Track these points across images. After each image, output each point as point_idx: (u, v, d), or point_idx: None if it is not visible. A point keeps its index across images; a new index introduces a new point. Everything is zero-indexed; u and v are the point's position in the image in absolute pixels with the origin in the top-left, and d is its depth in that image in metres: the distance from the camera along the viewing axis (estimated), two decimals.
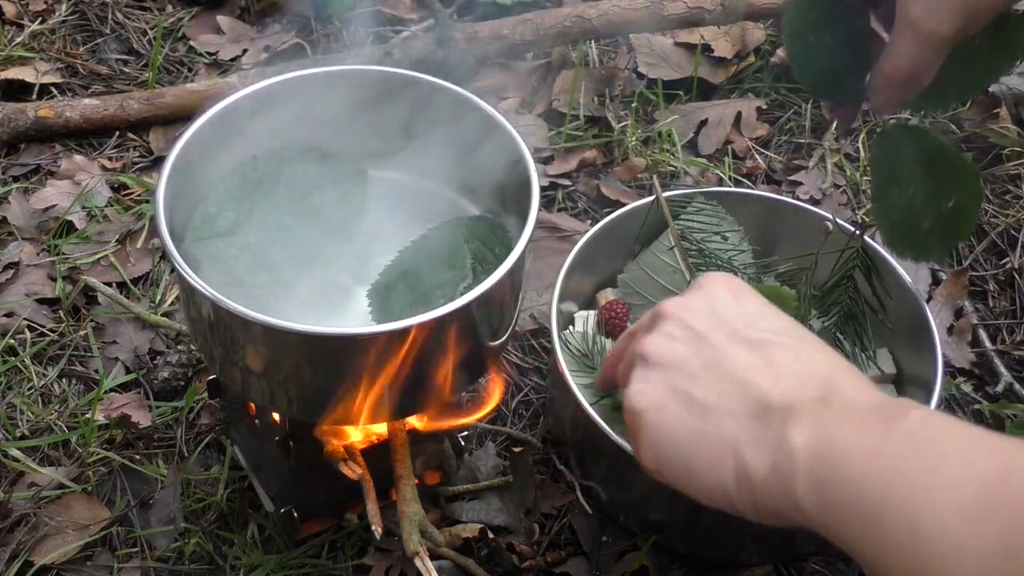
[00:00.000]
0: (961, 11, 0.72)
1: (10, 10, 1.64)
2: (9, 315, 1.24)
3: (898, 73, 0.77)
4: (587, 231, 1.13)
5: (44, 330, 1.23)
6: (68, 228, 1.34)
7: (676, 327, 0.70)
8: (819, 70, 0.82)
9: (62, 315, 1.24)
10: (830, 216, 1.11)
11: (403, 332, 0.76)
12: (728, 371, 0.66)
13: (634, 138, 1.46)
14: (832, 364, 0.66)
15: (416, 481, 1.05)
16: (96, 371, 1.19)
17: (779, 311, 0.72)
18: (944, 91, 0.81)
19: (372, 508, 0.93)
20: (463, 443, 1.08)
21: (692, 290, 0.74)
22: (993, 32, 0.77)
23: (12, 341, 1.21)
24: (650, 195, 1.14)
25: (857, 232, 1.04)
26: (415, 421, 0.99)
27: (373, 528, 0.92)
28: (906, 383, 1.09)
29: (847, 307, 1.04)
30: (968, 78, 0.81)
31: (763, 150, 1.50)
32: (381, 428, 0.98)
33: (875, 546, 0.55)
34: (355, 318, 0.87)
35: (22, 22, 1.63)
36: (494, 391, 1.01)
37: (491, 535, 1.03)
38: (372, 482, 0.95)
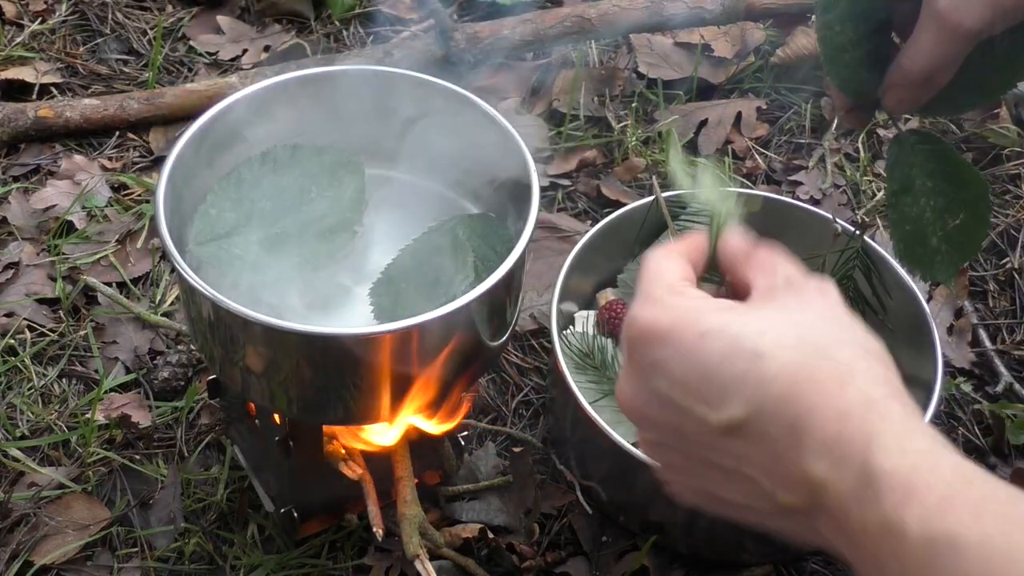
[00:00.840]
0: (990, 5, 0.71)
1: (10, 10, 1.64)
2: (9, 315, 1.24)
3: (917, 69, 0.75)
4: (587, 231, 1.13)
5: (44, 330, 1.23)
6: (68, 228, 1.34)
7: (650, 430, 0.59)
8: (845, 66, 0.80)
9: (62, 315, 1.24)
10: (830, 216, 1.11)
11: (403, 332, 0.77)
12: (728, 470, 0.55)
13: (634, 138, 1.46)
14: (799, 422, 0.52)
15: (416, 481, 1.05)
16: (96, 371, 1.19)
17: (730, 336, 0.55)
18: (957, 96, 0.80)
19: (373, 509, 0.93)
20: (463, 443, 1.08)
21: (624, 368, 0.60)
22: (1011, 37, 0.76)
23: (12, 341, 1.21)
24: (650, 195, 1.14)
25: (857, 232, 1.04)
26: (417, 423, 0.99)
27: (375, 530, 0.92)
28: (906, 383, 1.08)
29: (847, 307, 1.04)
30: (982, 85, 0.79)
31: (763, 150, 1.50)
32: (383, 430, 0.98)
33: None
34: (355, 318, 0.87)
35: (22, 22, 1.63)
36: (461, 409, 0.99)
37: (491, 535, 1.03)
38: (372, 483, 0.95)
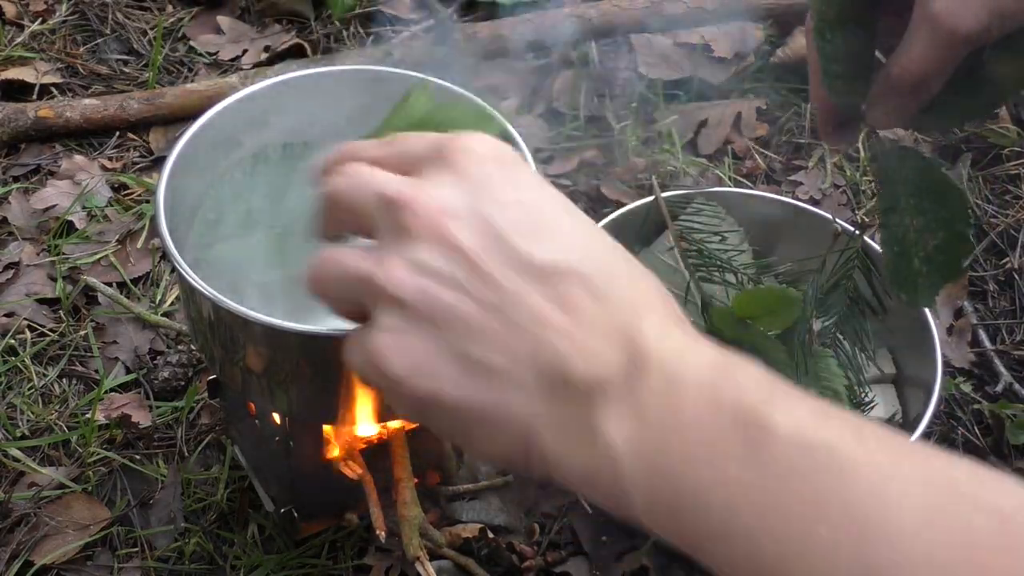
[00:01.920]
0: (988, 8, 0.67)
1: (10, 10, 1.64)
2: (9, 315, 1.24)
3: (907, 76, 0.71)
4: None
5: (44, 330, 1.23)
6: (68, 228, 1.34)
7: (434, 249, 0.48)
8: (835, 73, 0.78)
9: (62, 315, 1.24)
10: (830, 216, 1.11)
11: None
12: (513, 321, 0.47)
13: (634, 138, 1.46)
14: (639, 300, 0.48)
15: (416, 480, 1.05)
16: (96, 371, 1.19)
17: (567, 202, 0.51)
18: (947, 110, 0.76)
19: (375, 511, 0.93)
20: None
21: (445, 167, 0.50)
22: (1005, 51, 0.74)
23: (12, 341, 1.21)
24: (650, 195, 1.14)
25: (857, 232, 1.04)
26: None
27: (377, 532, 0.92)
28: (906, 383, 1.09)
29: (847, 307, 1.04)
30: (975, 99, 0.76)
31: (763, 150, 1.50)
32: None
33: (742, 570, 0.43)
34: None
35: (22, 22, 1.63)
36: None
37: (491, 535, 1.03)
38: (373, 483, 0.95)
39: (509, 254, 0.48)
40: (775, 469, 0.42)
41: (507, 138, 0.70)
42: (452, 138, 0.52)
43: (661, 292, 0.50)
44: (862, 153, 1.47)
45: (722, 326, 1.05)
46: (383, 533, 0.92)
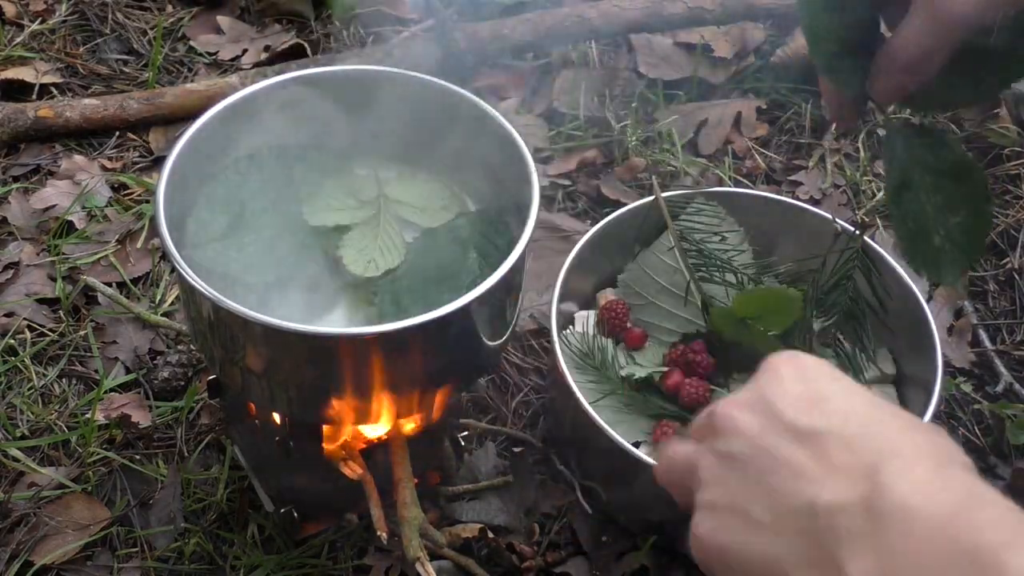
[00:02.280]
0: None
1: (10, 10, 1.64)
2: (9, 315, 1.24)
3: (906, 54, 0.73)
4: (587, 231, 1.13)
5: (44, 330, 1.23)
6: (68, 228, 1.34)
7: (732, 439, 0.60)
8: (828, 51, 0.78)
9: (62, 315, 1.24)
10: (831, 216, 1.11)
11: (403, 332, 0.77)
12: (778, 479, 0.57)
13: (634, 138, 1.46)
14: (887, 446, 0.54)
15: (416, 480, 1.05)
16: (96, 371, 1.19)
17: (855, 388, 0.60)
18: (948, 91, 0.77)
19: (376, 513, 0.93)
20: (463, 443, 1.08)
21: (754, 379, 0.64)
22: (1009, 34, 0.75)
23: (12, 341, 1.21)
24: (650, 195, 1.14)
25: (857, 232, 1.04)
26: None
27: (379, 533, 0.92)
28: (906, 383, 1.09)
29: (847, 307, 1.04)
30: (976, 82, 0.77)
31: (763, 150, 1.50)
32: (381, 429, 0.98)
33: None
34: (356, 318, 0.87)
35: (22, 22, 1.63)
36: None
37: (491, 535, 1.03)
38: (374, 484, 0.95)
39: (781, 426, 0.58)
40: None
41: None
42: (772, 356, 0.63)
43: (926, 440, 0.54)
44: (862, 153, 1.47)
45: (722, 326, 1.05)
46: (385, 534, 0.92)
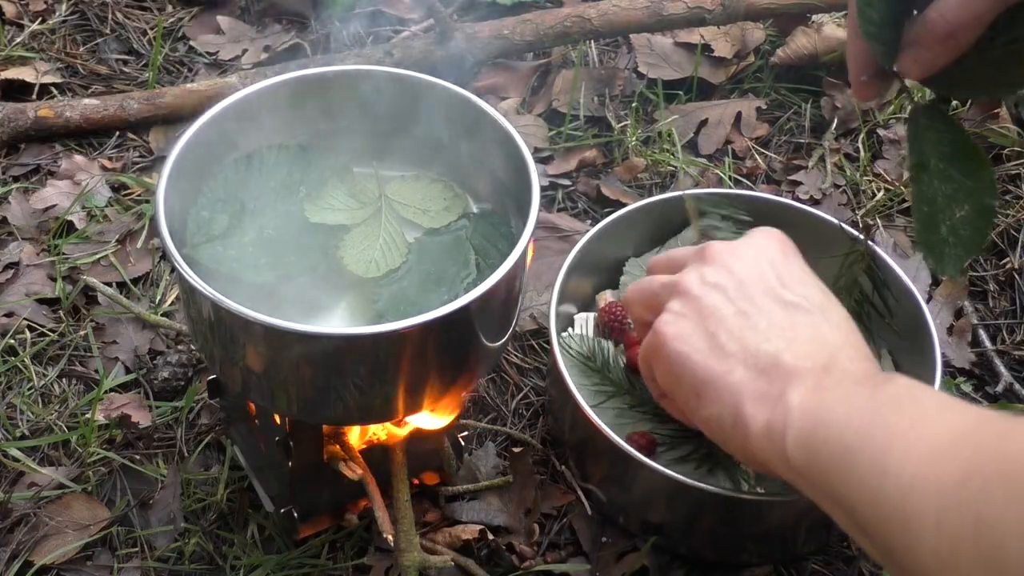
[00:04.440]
0: None
1: (10, 10, 1.64)
2: (9, 315, 1.24)
3: (943, 22, 0.74)
4: (587, 231, 1.13)
5: (44, 330, 1.23)
6: (68, 228, 1.34)
7: (720, 272, 0.77)
8: (875, 15, 0.77)
9: (62, 315, 1.24)
10: (830, 218, 1.11)
11: (403, 332, 0.77)
12: (754, 324, 0.73)
13: (634, 138, 1.46)
14: (844, 339, 0.73)
15: (416, 482, 1.06)
16: (96, 371, 1.19)
17: (817, 280, 0.78)
18: (976, 77, 0.78)
19: (381, 515, 0.93)
20: (463, 443, 1.08)
21: (745, 238, 0.81)
22: None
23: (12, 341, 1.21)
24: (650, 195, 1.14)
25: (862, 236, 1.03)
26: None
27: (385, 536, 0.92)
28: None
29: (853, 310, 1.04)
30: (1005, 71, 0.77)
31: (763, 150, 1.50)
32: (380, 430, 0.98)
33: (851, 492, 0.61)
34: (356, 318, 0.87)
35: (22, 22, 1.63)
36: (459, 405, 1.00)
37: (491, 535, 1.03)
38: (376, 484, 0.95)
39: (766, 286, 0.76)
40: (886, 398, 0.64)
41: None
42: (759, 228, 0.85)
43: (859, 338, 0.76)
44: (862, 153, 1.47)
45: None
46: (391, 536, 0.92)
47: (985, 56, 0.75)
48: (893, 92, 1.42)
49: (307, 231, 0.91)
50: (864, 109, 1.53)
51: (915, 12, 0.77)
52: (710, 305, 0.76)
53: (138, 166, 1.43)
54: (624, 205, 1.18)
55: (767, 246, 0.80)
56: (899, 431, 0.59)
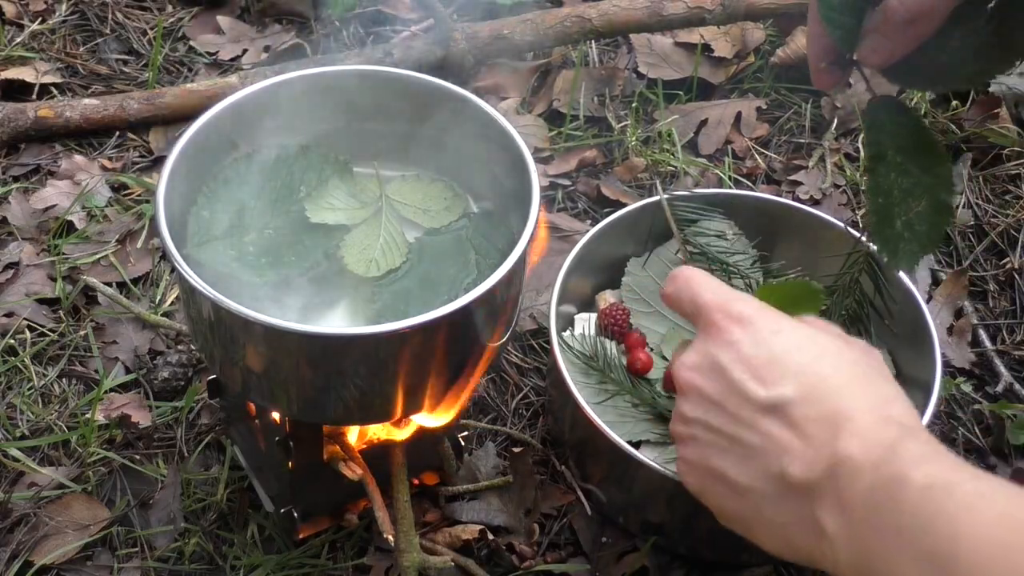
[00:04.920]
0: None
1: (10, 10, 1.64)
2: (9, 315, 1.24)
3: (902, 10, 0.73)
4: (587, 231, 1.13)
5: (44, 330, 1.23)
6: (68, 228, 1.34)
7: (694, 403, 0.69)
8: (833, 8, 0.78)
9: (62, 315, 1.24)
10: (831, 218, 1.11)
11: (403, 332, 0.76)
12: (749, 448, 0.66)
13: (634, 138, 1.46)
14: (844, 409, 0.64)
15: (416, 482, 1.06)
16: (96, 371, 1.19)
17: (799, 337, 0.68)
18: (934, 69, 0.77)
19: (381, 515, 0.93)
20: (463, 443, 1.08)
21: (698, 341, 0.71)
22: (998, 25, 0.75)
23: (12, 341, 1.21)
24: (651, 195, 1.14)
25: (864, 238, 1.03)
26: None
27: (385, 536, 0.92)
28: (905, 383, 1.08)
29: (853, 311, 1.04)
30: (964, 67, 0.77)
31: (763, 150, 1.50)
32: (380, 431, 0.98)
33: None
34: (356, 318, 0.87)
35: (22, 22, 1.63)
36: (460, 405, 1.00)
37: (491, 535, 1.03)
38: (376, 485, 0.95)
39: (742, 396, 0.66)
40: (907, 510, 0.57)
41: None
42: (704, 309, 0.71)
43: (867, 398, 0.65)
44: (862, 153, 1.47)
45: None
46: (392, 536, 0.92)
47: (944, 48, 0.75)
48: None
49: (307, 231, 0.91)
50: (864, 109, 1.52)
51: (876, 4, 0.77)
52: (702, 445, 0.70)
53: (138, 166, 1.43)
54: (624, 205, 1.18)
55: (724, 338, 0.69)
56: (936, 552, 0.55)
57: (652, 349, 1.11)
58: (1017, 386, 1.21)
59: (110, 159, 1.44)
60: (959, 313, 1.29)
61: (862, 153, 1.47)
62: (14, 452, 1.10)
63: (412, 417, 0.94)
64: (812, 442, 0.63)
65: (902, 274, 1.07)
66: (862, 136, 0.83)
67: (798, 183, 1.44)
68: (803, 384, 0.65)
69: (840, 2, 0.76)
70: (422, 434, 0.99)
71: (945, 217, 0.80)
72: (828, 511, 0.61)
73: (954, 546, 0.53)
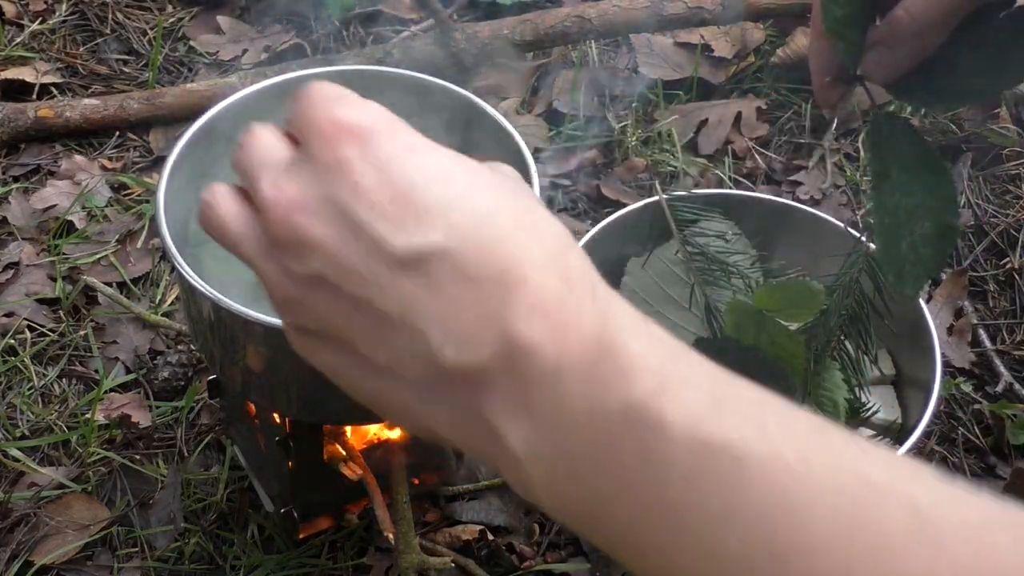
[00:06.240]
0: None
1: (10, 10, 1.64)
2: (9, 315, 1.24)
3: (908, 21, 0.71)
4: (587, 231, 1.13)
5: (44, 330, 1.23)
6: (68, 228, 1.34)
7: (303, 258, 0.45)
8: (839, 13, 0.75)
9: (62, 315, 1.24)
10: (831, 218, 1.11)
11: None
12: (383, 316, 0.44)
13: (634, 138, 1.46)
14: (514, 268, 0.42)
15: (416, 482, 1.05)
16: (96, 371, 1.19)
17: (437, 157, 0.48)
18: (939, 85, 0.76)
19: (382, 514, 0.93)
20: None
21: (299, 166, 0.47)
22: (1009, 36, 0.74)
23: (12, 341, 1.21)
24: (651, 195, 1.14)
25: (864, 237, 1.03)
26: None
27: (386, 534, 0.92)
28: (906, 384, 1.09)
29: (852, 311, 1.04)
30: (968, 81, 0.76)
31: (763, 150, 1.50)
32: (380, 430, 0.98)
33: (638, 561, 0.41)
34: None
35: (22, 22, 1.62)
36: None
37: (491, 535, 1.03)
38: (377, 484, 0.95)
39: (370, 244, 0.43)
40: (674, 478, 0.38)
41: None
42: (308, 114, 0.49)
43: (543, 246, 0.43)
44: (863, 153, 1.47)
45: (741, 322, 1.04)
46: (392, 535, 0.92)
47: (953, 61, 0.73)
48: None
49: None
50: (864, 109, 1.52)
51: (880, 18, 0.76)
52: (323, 307, 0.46)
53: (138, 166, 1.43)
54: (624, 205, 1.17)
55: (343, 168, 0.45)
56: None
57: None
58: (1017, 386, 1.21)
59: (110, 159, 1.44)
60: (959, 313, 1.29)
61: (861, 156, 1.47)
62: (14, 452, 1.10)
63: None
64: (471, 312, 0.42)
65: None
66: (861, 137, 0.82)
67: (798, 183, 1.44)
68: (455, 227, 0.43)
69: (845, 14, 0.75)
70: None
71: (950, 241, 0.77)
72: (506, 417, 0.41)
73: (796, 537, 0.37)
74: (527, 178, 0.85)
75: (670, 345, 0.42)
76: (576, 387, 0.40)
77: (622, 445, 0.39)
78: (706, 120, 1.51)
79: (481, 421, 0.42)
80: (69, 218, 1.34)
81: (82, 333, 1.22)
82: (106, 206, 1.36)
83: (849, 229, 1.08)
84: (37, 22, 1.62)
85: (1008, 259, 1.36)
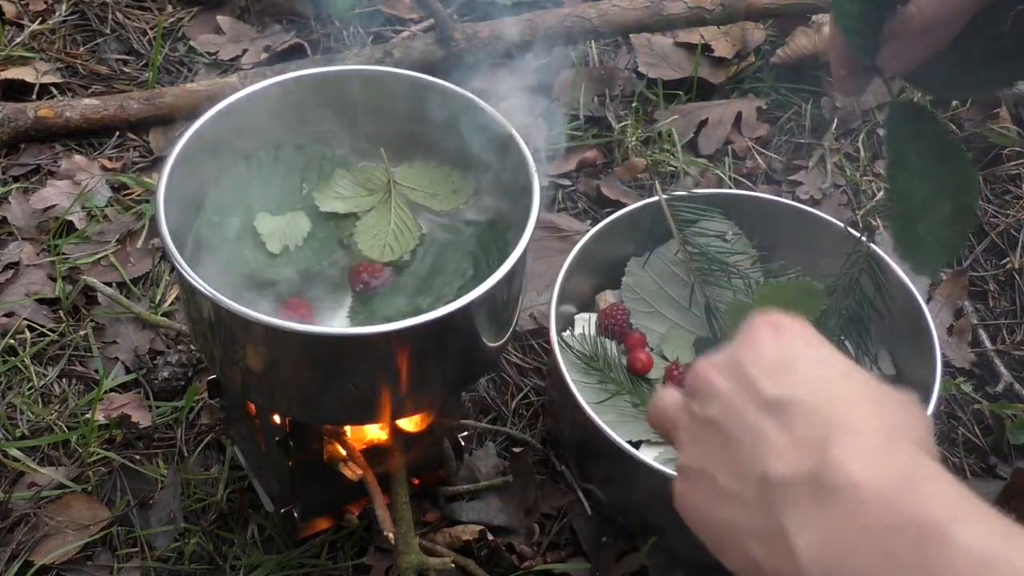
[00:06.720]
0: None
1: (10, 10, 1.64)
2: (9, 315, 1.24)
3: (920, 17, 0.74)
4: (587, 231, 1.13)
5: (44, 330, 1.23)
6: (68, 228, 1.34)
7: (707, 401, 0.59)
8: (853, 11, 0.77)
9: (62, 315, 1.24)
10: (831, 218, 1.11)
11: (403, 332, 0.76)
12: (740, 446, 0.57)
13: (634, 138, 1.46)
14: (843, 421, 0.53)
15: (416, 481, 1.05)
16: (96, 371, 1.19)
17: (829, 355, 0.60)
18: (955, 76, 0.77)
19: (382, 513, 0.93)
20: (463, 443, 1.08)
21: (735, 339, 0.62)
22: (1020, 30, 0.75)
23: (12, 341, 1.20)
24: (651, 195, 1.14)
25: (864, 237, 1.03)
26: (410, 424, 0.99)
27: (386, 534, 0.92)
28: (905, 383, 1.09)
29: (853, 311, 1.04)
30: (984, 72, 0.77)
31: (763, 150, 1.50)
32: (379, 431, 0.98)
33: None
34: (355, 318, 0.87)
35: (22, 22, 1.62)
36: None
37: (491, 536, 1.03)
38: (377, 484, 0.95)
39: (752, 392, 0.57)
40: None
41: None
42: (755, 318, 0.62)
43: (884, 414, 0.54)
44: (862, 153, 1.47)
45: (741, 322, 1.04)
46: (392, 535, 0.92)
47: (966, 55, 0.75)
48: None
49: (319, 224, 0.91)
50: (864, 109, 1.53)
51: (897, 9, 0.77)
52: (706, 445, 0.59)
53: (138, 166, 1.43)
54: (624, 205, 1.18)
55: (752, 338, 0.61)
56: None
57: (652, 349, 1.11)
58: (1017, 386, 1.21)
59: (110, 159, 1.44)
60: (959, 313, 1.29)
61: (861, 156, 1.47)
62: (14, 452, 1.10)
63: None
64: (804, 446, 0.53)
65: (902, 274, 1.07)
66: (885, 141, 0.82)
67: (798, 183, 1.44)
68: (815, 392, 0.55)
69: (857, 11, 0.76)
70: (422, 434, 0.99)
71: (967, 222, 0.79)
72: (800, 521, 0.50)
73: None
74: (527, 178, 0.85)
75: (963, 490, 0.49)
76: (873, 506, 0.48)
77: (905, 555, 0.46)
78: (706, 120, 1.51)
79: (777, 529, 0.51)
80: (69, 218, 1.34)
81: (82, 333, 1.22)
82: (106, 206, 1.36)
83: (849, 229, 1.08)
84: (37, 22, 1.62)
85: (1008, 259, 1.36)
